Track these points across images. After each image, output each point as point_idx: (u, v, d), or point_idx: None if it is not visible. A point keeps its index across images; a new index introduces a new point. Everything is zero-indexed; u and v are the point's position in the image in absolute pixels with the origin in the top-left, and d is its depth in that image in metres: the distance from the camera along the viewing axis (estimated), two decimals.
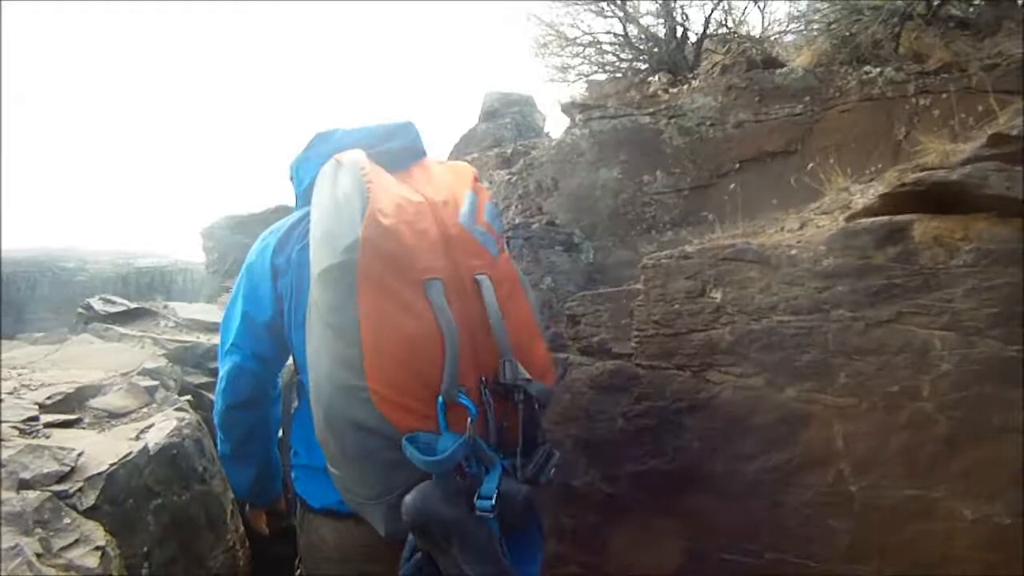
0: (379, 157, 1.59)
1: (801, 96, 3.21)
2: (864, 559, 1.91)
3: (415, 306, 1.38)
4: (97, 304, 4.37)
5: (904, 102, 3.14)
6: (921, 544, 1.84)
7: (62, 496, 1.76)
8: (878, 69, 3.24)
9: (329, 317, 1.39)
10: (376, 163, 1.55)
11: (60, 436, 2.14)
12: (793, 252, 2.13)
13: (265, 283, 1.64)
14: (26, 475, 1.75)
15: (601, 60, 5.78)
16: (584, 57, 5.69)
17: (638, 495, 2.31)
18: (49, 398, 2.47)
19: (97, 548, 1.63)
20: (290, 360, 1.73)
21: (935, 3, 3.42)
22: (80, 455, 1.92)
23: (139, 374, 3.02)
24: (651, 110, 3.13)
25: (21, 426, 2.12)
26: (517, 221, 2.80)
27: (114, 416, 2.51)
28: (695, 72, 4.67)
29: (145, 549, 2.01)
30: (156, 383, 2.89)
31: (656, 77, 5.22)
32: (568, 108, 4.05)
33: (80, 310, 4.39)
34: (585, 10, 5.43)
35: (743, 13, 5.72)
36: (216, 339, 2.38)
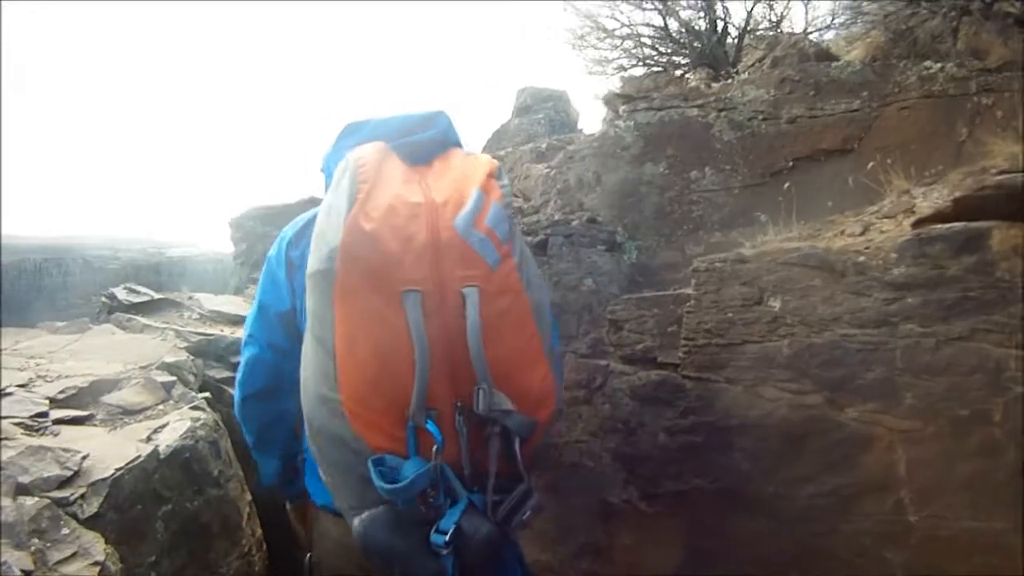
0: (404, 149, 1.51)
1: (858, 91, 3.01)
2: None
3: (390, 319, 1.28)
4: (121, 293, 4.30)
5: (966, 100, 2.95)
6: None
7: (62, 503, 1.65)
8: (938, 65, 3.03)
9: (313, 324, 1.36)
10: (402, 155, 1.48)
11: (68, 434, 2.04)
12: (861, 259, 1.99)
13: (281, 276, 1.62)
14: (25, 479, 1.64)
15: (640, 54, 5.65)
16: (623, 50, 5.56)
17: (679, 516, 2.19)
18: (62, 392, 2.37)
19: (96, 563, 1.51)
20: None
21: None
22: (85, 458, 1.81)
23: (157, 368, 2.93)
24: (700, 102, 2.94)
25: (28, 422, 2.02)
26: (556, 218, 2.64)
27: (128, 413, 2.41)
28: (736, 68, 4.50)
29: (153, 558, 1.90)
30: (174, 379, 2.79)
31: (696, 72, 5.07)
32: (611, 99, 3.87)
33: (103, 299, 4.33)
34: (624, 1, 5.26)
35: (786, 7, 5.51)
36: (239, 332, 2.31)
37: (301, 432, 1.67)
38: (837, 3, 5.11)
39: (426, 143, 1.55)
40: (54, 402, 2.27)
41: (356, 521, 1.30)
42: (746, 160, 2.86)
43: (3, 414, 1.98)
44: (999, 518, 1.72)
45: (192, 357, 3.28)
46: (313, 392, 1.35)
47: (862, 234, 2.41)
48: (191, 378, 3.05)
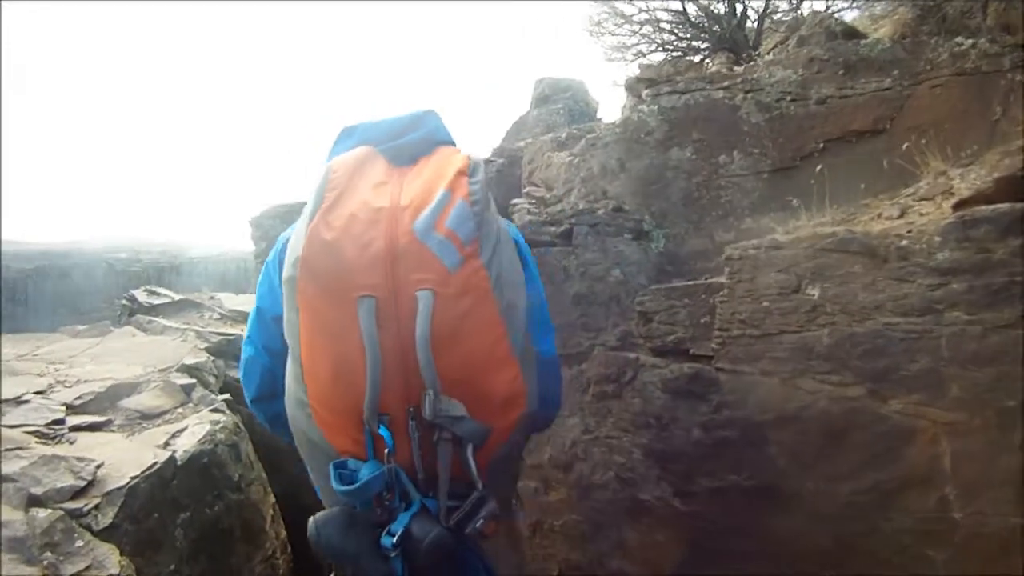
0: (391, 151, 1.53)
1: (889, 70, 2.88)
2: None
3: (344, 327, 1.30)
4: (141, 296, 4.30)
5: (999, 77, 2.80)
6: None
7: (76, 514, 1.61)
8: (970, 41, 2.89)
9: (286, 330, 1.41)
10: (389, 157, 1.51)
11: (85, 442, 2.00)
12: (904, 243, 1.88)
13: (276, 280, 1.62)
14: (38, 490, 1.59)
15: (659, 39, 5.56)
16: (642, 35, 5.47)
17: (714, 513, 2.10)
18: (79, 398, 2.34)
19: None
20: None
21: None
22: (99, 467, 1.76)
23: (177, 371, 2.89)
24: (726, 84, 2.82)
25: (45, 430, 1.98)
26: (581, 207, 2.54)
27: (146, 417, 2.37)
28: (757, 52, 4.38)
29: (172, 567, 1.86)
30: (193, 381, 2.75)
31: (716, 57, 4.96)
32: (633, 84, 3.76)
33: (124, 301, 4.33)
34: None
35: None
36: None
37: None
38: None
39: (412, 144, 1.56)
40: (71, 408, 2.23)
41: (310, 520, 1.33)
42: (775, 143, 2.75)
43: (19, 423, 1.94)
44: None
45: (212, 358, 3.25)
46: (291, 395, 1.43)
47: (900, 217, 2.30)
48: (211, 379, 3.02)
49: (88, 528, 1.60)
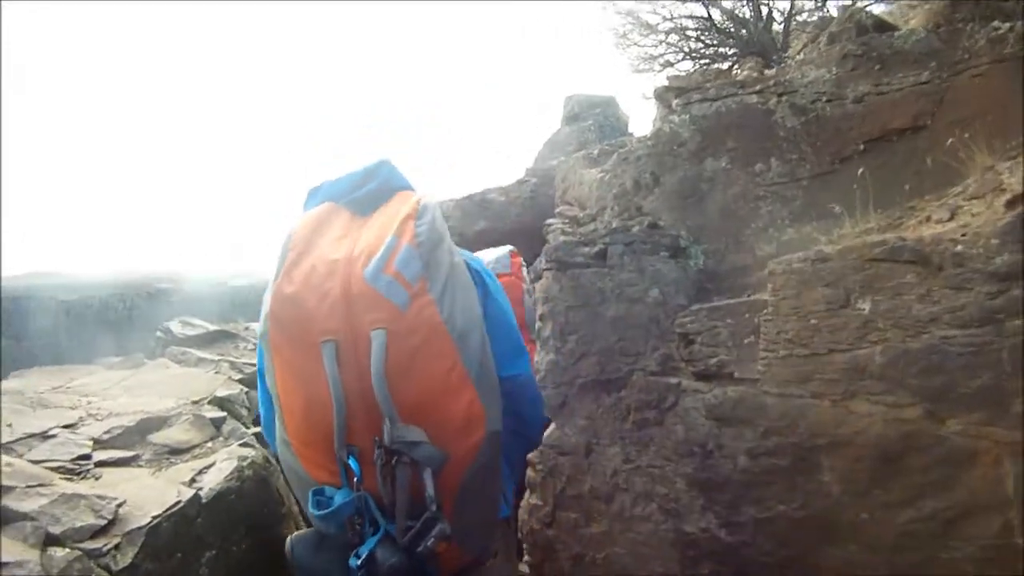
0: (353, 205, 1.70)
1: (926, 62, 2.72)
2: None
3: (311, 369, 1.45)
4: (175, 327, 4.33)
5: None
6: None
7: (94, 554, 1.60)
8: (1007, 24, 2.73)
9: (267, 377, 1.58)
10: (352, 210, 1.67)
11: (110, 478, 1.98)
12: (959, 248, 1.74)
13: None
14: (56, 529, 1.58)
15: (686, 47, 5.50)
16: (668, 44, 5.42)
17: (763, 545, 1.97)
18: (108, 432, 2.33)
19: None
20: None
21: None
22: (120, 505, 1.73)
23: (209, 403, 2.89)
24: (758, 87, 2.71)
25: (70, 466, 1.97)
26: (614, 225, 2.44)
27: (175, 452, 2.35)
28: (786, 54, 4.27)
29: None
30: (224, 414, 2.73)
31: (743, 62, 4.87)
32: (662, 94, 3.67)
33: (159, 333, 4.36)
34: None
35: None
36: None
37: None
38: None
39: (370, 194, 1.72)
40: (98, 443, 2.22)
41: (288, 540, 1.54)
42: (813, 147, 2.63)
43: (44, 458, 1.95)
44: None
45: (246, 389, 3.24)
46: (277, 435, 1.59)
47: (951, 219, 2.16)
48: (244, 411, 3.00)
49: (107, 568, 1.58)
